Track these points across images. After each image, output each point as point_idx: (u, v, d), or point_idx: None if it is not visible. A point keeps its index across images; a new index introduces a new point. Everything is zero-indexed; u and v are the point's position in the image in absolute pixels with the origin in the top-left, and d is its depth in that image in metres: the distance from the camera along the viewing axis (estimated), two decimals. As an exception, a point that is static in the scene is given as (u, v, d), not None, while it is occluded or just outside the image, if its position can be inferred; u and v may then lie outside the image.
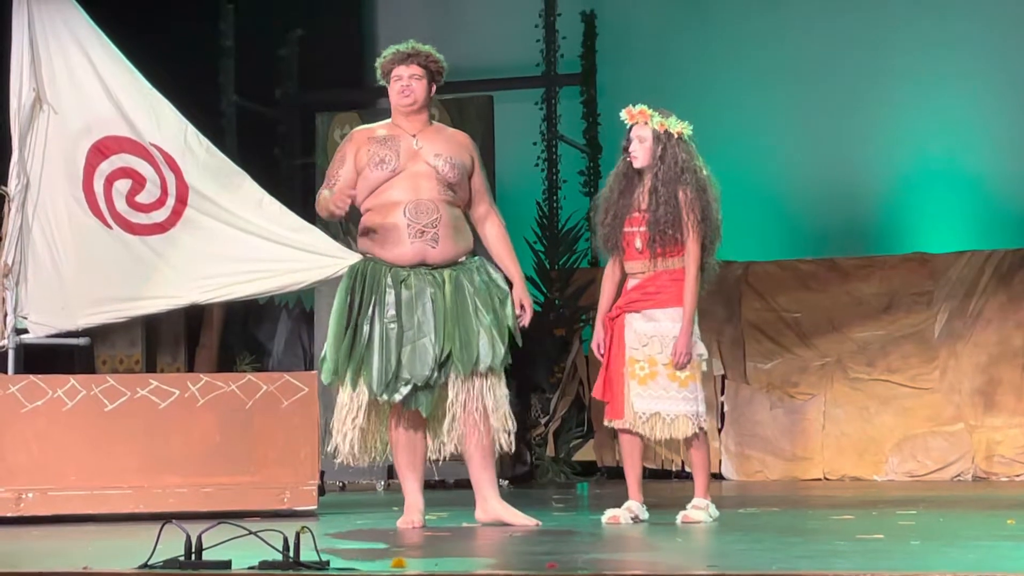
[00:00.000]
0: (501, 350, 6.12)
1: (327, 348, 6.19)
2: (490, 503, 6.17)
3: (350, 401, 6.15)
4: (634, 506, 6.24)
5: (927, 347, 10.08)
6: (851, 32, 11.16)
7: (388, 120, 6.36)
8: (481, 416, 6.10)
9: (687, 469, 10.14)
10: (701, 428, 6.19)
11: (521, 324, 6.24)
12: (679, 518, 6.16)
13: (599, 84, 11.32)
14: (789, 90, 11.21)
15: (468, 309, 6.11)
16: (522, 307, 6.23)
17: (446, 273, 6.15)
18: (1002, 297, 10.02)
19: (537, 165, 11.13)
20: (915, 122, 10.96)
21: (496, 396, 6.14)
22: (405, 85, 6.23)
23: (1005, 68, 10.81)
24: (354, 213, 6.33)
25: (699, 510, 6.18)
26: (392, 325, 6.07)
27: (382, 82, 6.34)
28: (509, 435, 6.17)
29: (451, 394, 6.13)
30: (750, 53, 11.26)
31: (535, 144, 11.17)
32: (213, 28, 11.34)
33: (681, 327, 6.13)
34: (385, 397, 6.07)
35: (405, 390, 6.07)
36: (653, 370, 6.15)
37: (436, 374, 6.08)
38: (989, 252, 10.13)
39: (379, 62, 6.32)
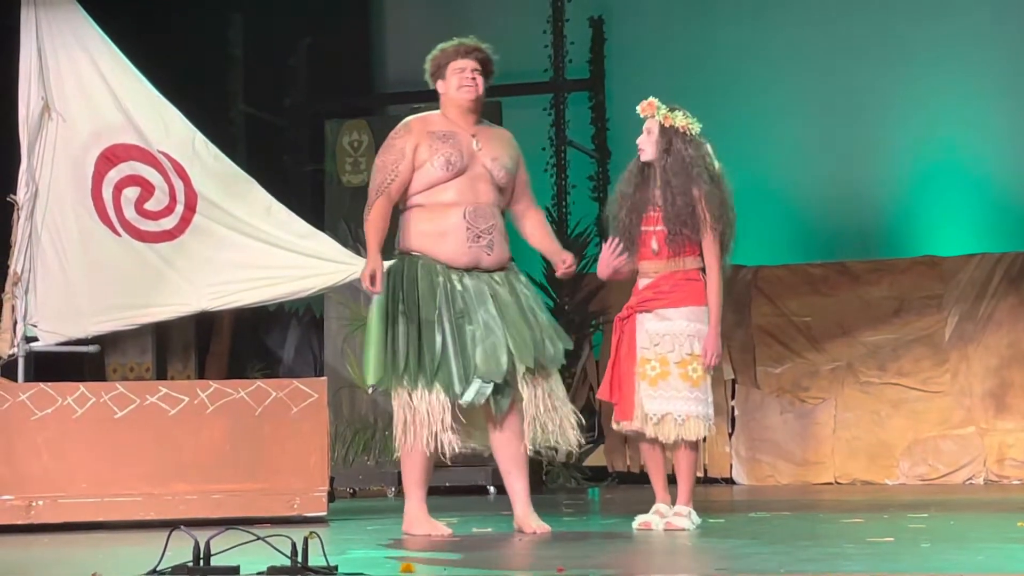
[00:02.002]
0: (560, 348, 6.03)
1: (371, 351, 5.98)
2: (516, 511, 6.09)
3: (425, 405, 5.92)
4: (663, 508, 6.10)
5: (938, 350, 10.07)
6: (860, 36, 11.15)
7: (438, 112, 6.17)
8: (542, 415, 5.98)
9: (708, 474, 10.15)
10: (709, 431, 6.15)
11: (569, 271, 6.14)
12: (662, 525, 6.00)
13: (607, 89, 11.32)
14: (798, 94, 11.20)
15: (526, 309, 6.03)
16: (564, 262, 6.11)
17: (498, 275, 6.05)
18: (1013, 300, 10.00)
19: (546, 171, 11.13)
20: (924, 125, 10.94)
21: (559, 394, 6.06)
22: (470, 77, 6.09)
23: (1014, 71, 10.79)
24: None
25: (682, 517, 6.02)
26: (470, 326, 5.90)
27: (428, 80, 6.13)
28: (579, 425, 6.07)
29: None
30: (758, 58, 11.25)
31: (544, 150, 11.17)
32: (221, 37, 11.35)
33: (710, 327, 6.02)
34: (469, 398, 5.88)
35: (487, 390, 5.88)
36: (664, 369, 6.02)
37: (508, 373, 5.93)
38: (999, 255, 10.12)
39: (432, 56, 6.12)
